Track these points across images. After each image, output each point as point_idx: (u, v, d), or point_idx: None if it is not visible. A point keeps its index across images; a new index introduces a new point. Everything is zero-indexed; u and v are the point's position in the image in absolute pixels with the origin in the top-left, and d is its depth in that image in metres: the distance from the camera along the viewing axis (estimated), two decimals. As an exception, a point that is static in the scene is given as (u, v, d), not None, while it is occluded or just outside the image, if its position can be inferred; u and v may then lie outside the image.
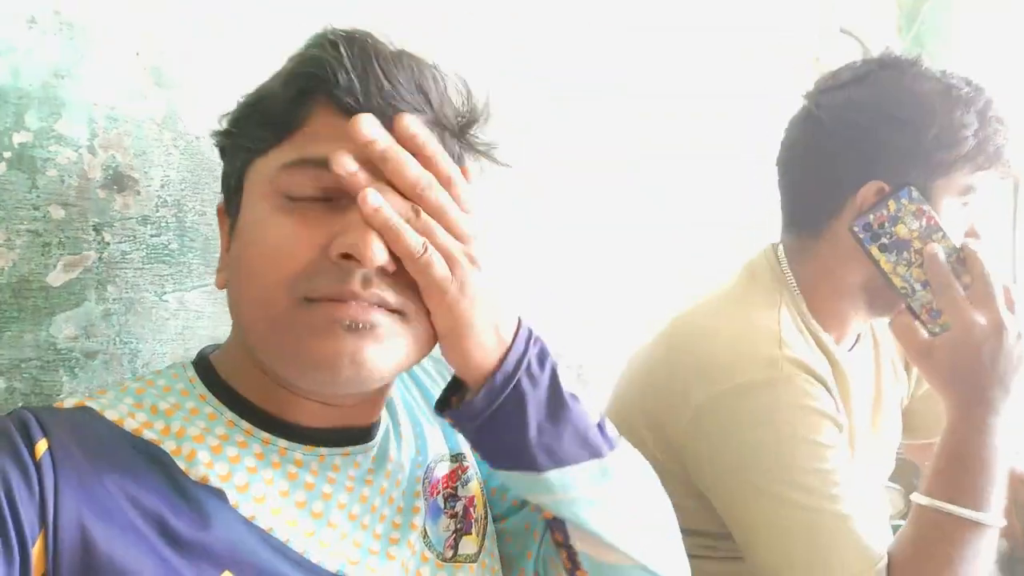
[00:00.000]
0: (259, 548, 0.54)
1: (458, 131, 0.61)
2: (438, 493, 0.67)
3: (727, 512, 0.88)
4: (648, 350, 1.03)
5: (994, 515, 0.81)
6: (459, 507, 0.68)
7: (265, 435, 0.58)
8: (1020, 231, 2.05)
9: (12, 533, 0.46)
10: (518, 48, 1.12)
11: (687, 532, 0.97)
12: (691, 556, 0.97)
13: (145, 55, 0.76)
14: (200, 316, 0.81)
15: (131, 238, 0.76)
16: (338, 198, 0.54)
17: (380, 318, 0.53)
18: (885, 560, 0.80)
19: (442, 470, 0.69)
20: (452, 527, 0.67)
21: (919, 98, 0.88)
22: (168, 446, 0.55)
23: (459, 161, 0.62)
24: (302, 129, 0.55)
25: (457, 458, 0.71)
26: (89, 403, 0.56)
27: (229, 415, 0.58)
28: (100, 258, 0.74)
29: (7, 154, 0.68)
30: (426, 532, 0.64)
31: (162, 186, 0.78)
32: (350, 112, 0.52)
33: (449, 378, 0.75)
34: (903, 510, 1.58)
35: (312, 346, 0.52)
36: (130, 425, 0.55)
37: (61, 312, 0.71)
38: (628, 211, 1.37)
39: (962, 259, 0.88)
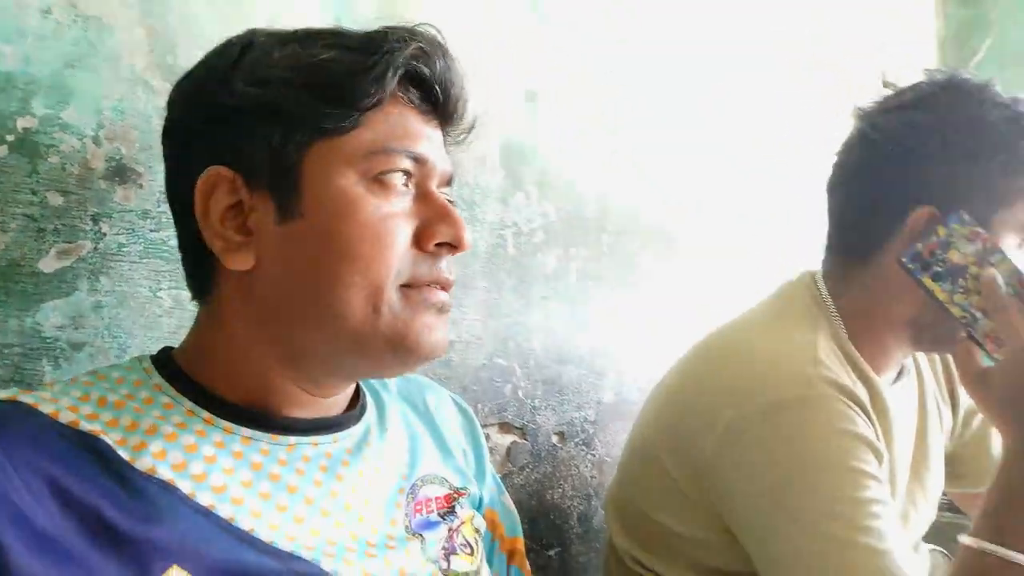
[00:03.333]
0: (217, 538, 0.50)
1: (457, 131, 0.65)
2: (432, 511, 0.65)
3: (751, 544, 0.80)
4: (672, 375, 0.97)
5: None
6: (455, 524, 0.66)
7: (227, 424, 0.55)
8: None
9: None
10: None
11: (713, 571, 0.90)
12: (712, 598, 0.90)
13: (157, 50, 0.77)
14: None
15: (129, 231, 0.75)
16: (414, 186, 0.58)
17: (448, 297, 0.59)
18: (925, 607, 0.72)
19: (434, 491, 0.66)
20: (445, 543, 0.64)
21: (984, 125, 0.83)
22: (112, 437, 0.51)
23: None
24: (377, 113, 0.55)
25: (458, 489, 0.69)
26: (23, 397, 0.52)
27: (188, 404, 0.55)
28: (95, 248, 0.73)
29: (9, 138, 0.68)
30: (424, 541, 0.62)
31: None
32: (420, 109, 0.58)
33: (464, 417, 0.78)
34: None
35: (415, 329, 0.55)
36: (66, 418, 0.51)
37: (50, 300, 0.70)
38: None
39: None
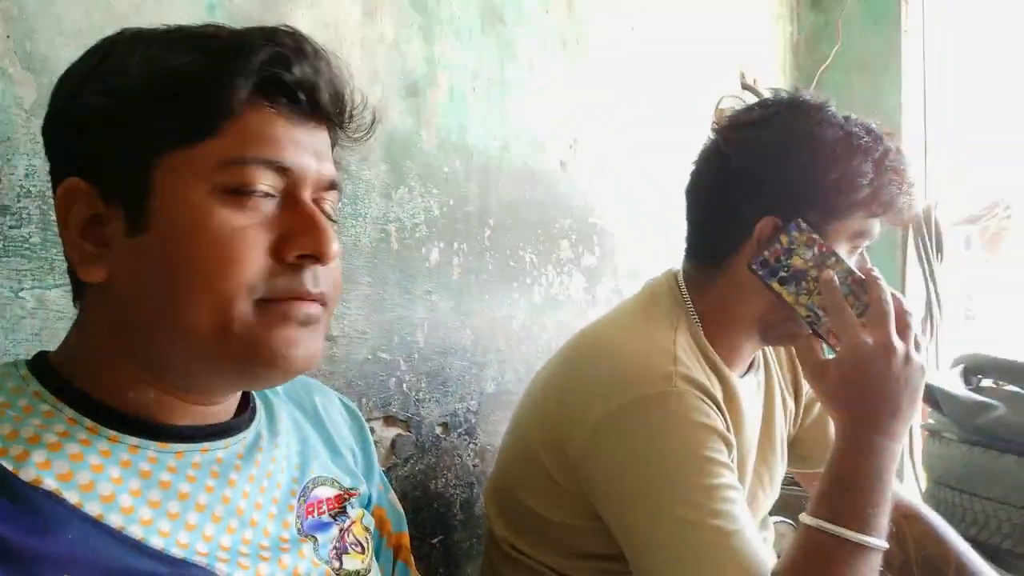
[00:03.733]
0: (108, 548, 0.50)
1: (346, 131, 0.63)
2: (324, 512, 0.66)
3: (618, 529, 0.86)
4: (547, 372, 1.02)
5: (877, 538, 0.81)
6: (346, 524, 0.67)
7: (112, 433, 0.54)
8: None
9: None
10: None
11: (585, 555, 0.96)
12: (583, 580, 0.96)
13: (15, 36, 0.72)
14: (61, 317, 0.74)
15: (-14, 228, 0.70)
16: (280, 194, 0.55)
17: (318, 309, 0.57)
18: (768, 579, 0.80)
19: (325, 492, 0.67)
20: (336, 543, 0.65)
21: (821, 144, 0.91)
22: None
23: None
24: (234, 121, 0.53)
25: (348, 490, 0.70)
26: None
27: (69, 412, 0.54)
28: (-52, 247, 0.68)
29: None
30: (316, 542, 0.63)
31: (26, 175, 0.73)
32: (284, 112, 0.55)
33: (352, 417, 0.78)
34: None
35: (272, 344, 0.54)
36: None
37: None
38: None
39: (861, 283, 0.90)
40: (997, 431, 1.60)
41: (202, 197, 0.53)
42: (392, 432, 1.13)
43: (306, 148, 0.56)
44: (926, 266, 2.45)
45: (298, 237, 0.54)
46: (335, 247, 0.55)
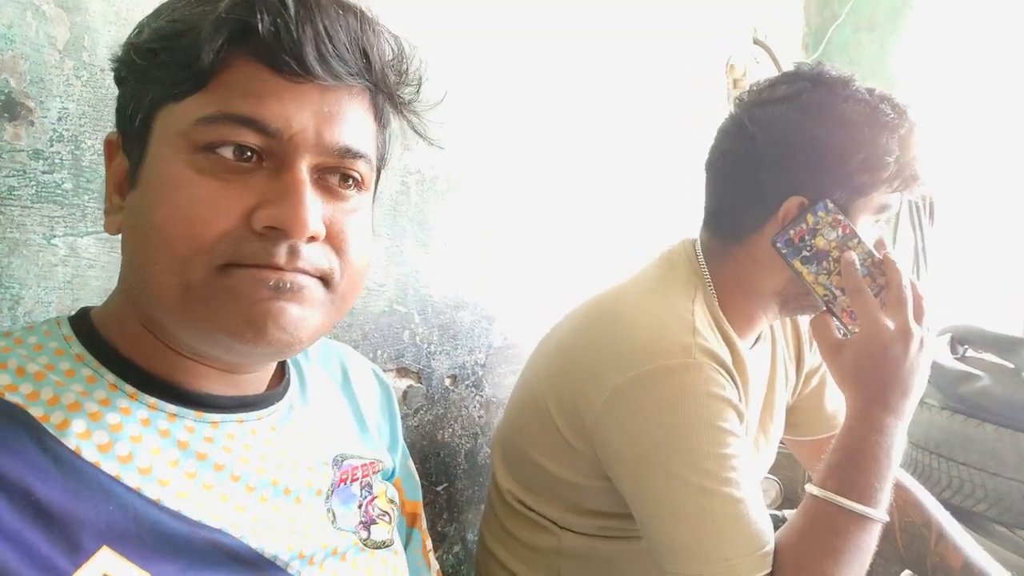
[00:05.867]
0: (145, 519, 0.50)
1: (392, 93, 0.58)
2: (355, 480, 0.66)
3: (630, 491, 0.89)
4: (563, 333, 1.03)
5: (881, 511, 0.84)
6: (368, 499, 0.68)
7: (151, 399, 0.54)
8: (928, 243, 2.22)
9: None
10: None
11: (589, 512, 0.99)
12: (590, 536, 1.00)
13: (49, -28, 0.69)
14: (93, 265, 0.74)
15: (20, 173, 0.69)
16: (263, 158, 0.51)
17: (306, 280, 0.52)
18: (772, 545, 0.84)
19: (356, 461, 0.68)
20: (361, 515, 0.66)
21: (848, 123, 0.90)
22: (35, 412, 0.49)
23: (388, 122, 0.60)
24: (222, 77, 0.50)
25: (375, 462, 0.70)
26: None
27: (110, 378, 0.53)
28: (-18, 192, 0.67)
29: None
30: (335, 516, 0.63)
31: (59, 119, 0.71)
32: (280, 68, 0.50)
33: (382, 389, 0.78)
34: (777, 500, 1.67)
35: (234, 311, 0.50)
36: None
37: (-68, 248, 0.64)
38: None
39: (879, 264, 0.92)
40: (980, 401, 1.64)
41: (177, 155, 0.50)
42: (404, 383, 1.14)
43: (303, 108, 0.51)
44: (917, 231, 2.48)
45: (269, 207, 0.50)
46: (311, 224, 0.50)
